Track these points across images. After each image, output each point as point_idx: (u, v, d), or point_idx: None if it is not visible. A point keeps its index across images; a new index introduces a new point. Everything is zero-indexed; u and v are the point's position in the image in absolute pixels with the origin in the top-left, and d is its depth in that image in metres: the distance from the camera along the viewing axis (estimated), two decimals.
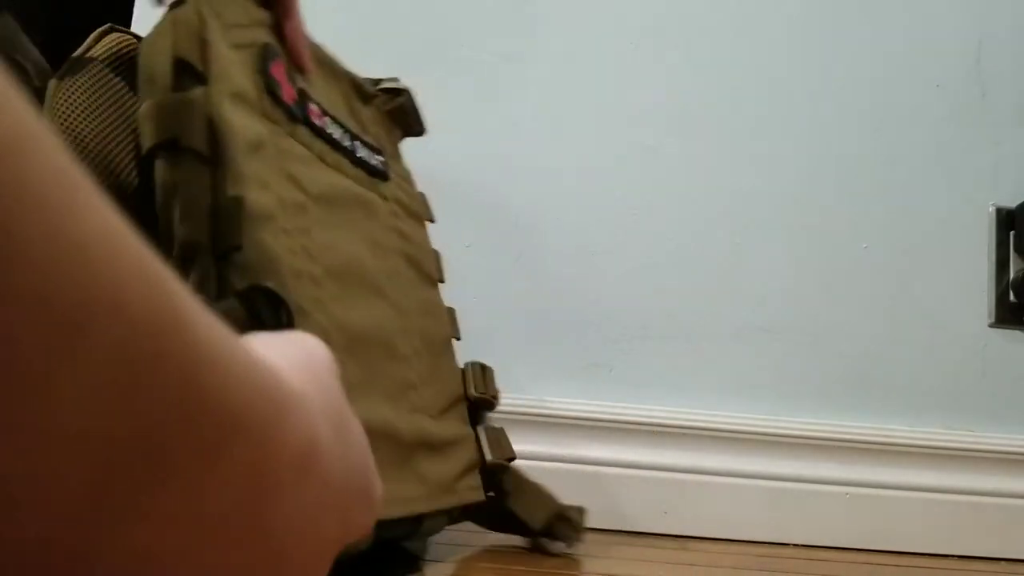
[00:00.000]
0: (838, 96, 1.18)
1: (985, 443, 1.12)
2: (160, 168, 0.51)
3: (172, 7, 0.54)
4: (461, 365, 0.86)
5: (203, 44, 0.53)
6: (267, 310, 0.48)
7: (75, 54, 0.54)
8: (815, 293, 1.14)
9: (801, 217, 1.15)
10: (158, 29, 0.54)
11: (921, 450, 1.11)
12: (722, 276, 1.14)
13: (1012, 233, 1.17)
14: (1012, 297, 1.16)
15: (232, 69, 0.56)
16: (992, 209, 1.17)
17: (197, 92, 0.52)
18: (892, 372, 1.14)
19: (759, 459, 1.09)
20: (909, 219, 1.16)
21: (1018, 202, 1.17)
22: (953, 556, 1.08)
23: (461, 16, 1.16)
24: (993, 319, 1.15)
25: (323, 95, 0.71)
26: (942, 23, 1.19)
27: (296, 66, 0.66)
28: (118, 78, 0.55)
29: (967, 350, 1.15)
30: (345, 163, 0.71)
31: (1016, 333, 1.16)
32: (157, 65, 0.53)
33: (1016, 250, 1.16)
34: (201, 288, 0.49)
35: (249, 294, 0.48)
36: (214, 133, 0.52)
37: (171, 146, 0.51)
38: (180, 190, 0.51)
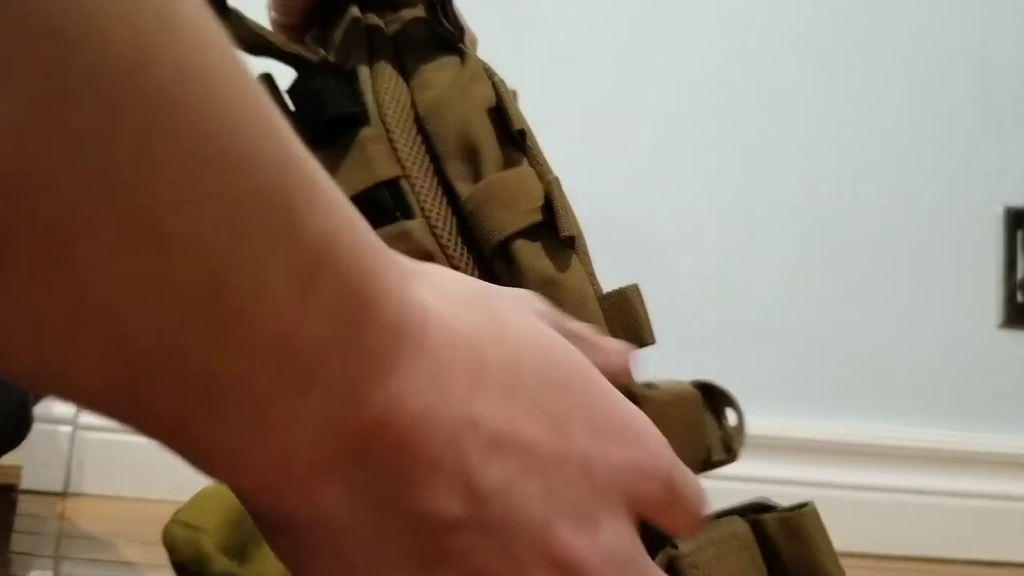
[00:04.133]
0: (843, 95, 1.16)
1: (993, 446, 1.11)
2: None
3: None
4: None
5: None
6: None
7: None
8: (821, 294, 1.13)
9: (808, 217, 1.14)
10: None
11: (928, 453, 1.10)
12: (725, 278, 1.13)
13: (1020, 233, 1.15)
14: (1020, 298, 1.14)
15: None
16: (1000, 208, 1.16)
17: None
18: (899, 374, 1.13)
19: (762, 462, 1.08)
20: (917, 219, 1.15)
21: None
22: (958, 560, 1.07)
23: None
24: (1002, 320, 1.14)
25: None
26: (947, 21, 1.18)
27: None
28: None
29: (975, 352, 1.14)
30: None
31: None
32: None
33: None
34: None
35: None
36: None
37: None
38: None
